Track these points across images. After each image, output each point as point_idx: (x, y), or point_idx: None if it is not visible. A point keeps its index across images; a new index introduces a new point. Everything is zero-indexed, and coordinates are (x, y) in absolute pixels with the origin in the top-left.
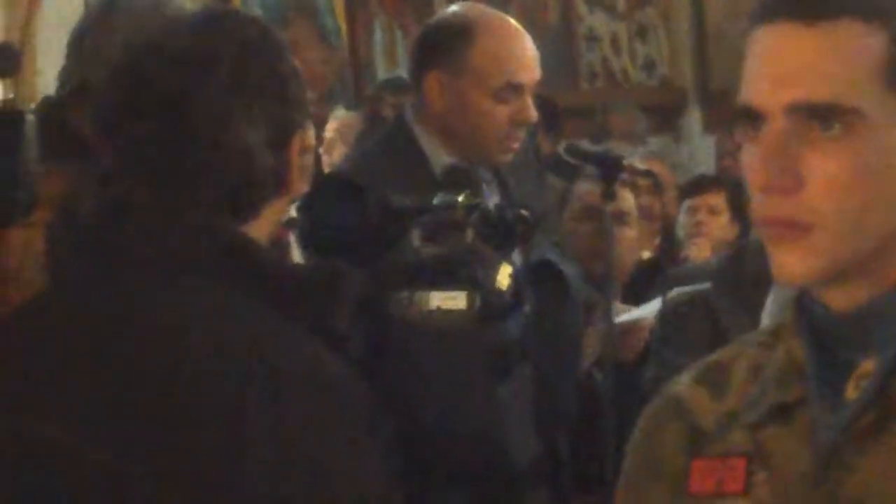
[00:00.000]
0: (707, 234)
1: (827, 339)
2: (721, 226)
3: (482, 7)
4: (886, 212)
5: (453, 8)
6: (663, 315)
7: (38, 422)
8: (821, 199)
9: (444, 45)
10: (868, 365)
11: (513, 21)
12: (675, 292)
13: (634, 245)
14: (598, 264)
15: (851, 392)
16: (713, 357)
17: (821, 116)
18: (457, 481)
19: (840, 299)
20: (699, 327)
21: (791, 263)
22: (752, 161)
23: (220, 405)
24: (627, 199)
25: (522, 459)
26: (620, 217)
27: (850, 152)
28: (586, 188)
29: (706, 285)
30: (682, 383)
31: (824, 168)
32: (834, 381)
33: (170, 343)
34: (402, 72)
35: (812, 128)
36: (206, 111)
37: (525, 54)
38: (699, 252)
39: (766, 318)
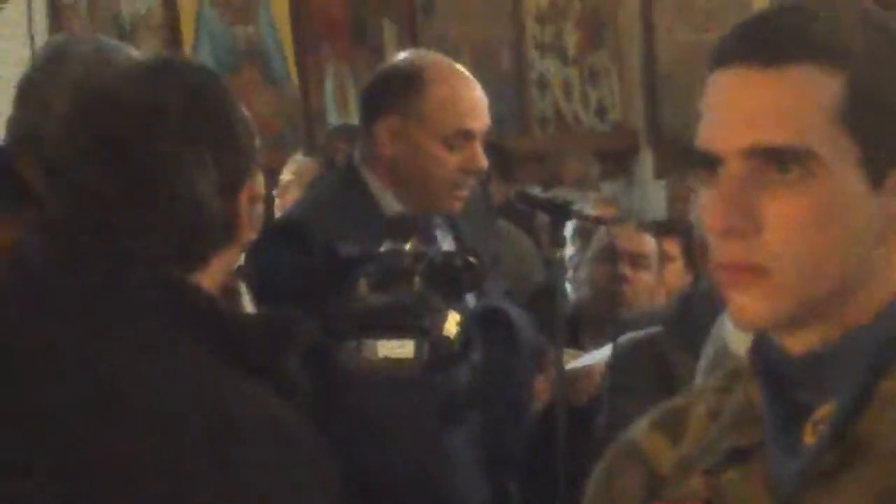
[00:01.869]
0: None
1: (784, 382)
2: (674, 272)
3: (433, 55)
4: (844, 255)
5: (404, 55)
6: (614, 360)
7: None
8: (779, 243)
9: (395, 92)
10: (825, 409)
11: (462, 68)
12: (625, 337)
13: (650, 289)
14: (610, 304)
15: (809, 437)
16: (670, 402)
17: (778, 160)
18: None
19: (797, 343)
20: (650, 372)
21: (749, 307)
22: (708, 205)
23: (165, 451)
24: (649, 244)
25: None
26: (639, 260)
27: (808, 196)
28: (609, 232)
29: (657, 329)
30: (640, 429)
31: (782, 212)
32: (791, 425)
33: (116, 390)
34: (355, 119)
35: (769, 171)
36: (155, 160)
37: (475, 101)
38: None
39: (702, 362)
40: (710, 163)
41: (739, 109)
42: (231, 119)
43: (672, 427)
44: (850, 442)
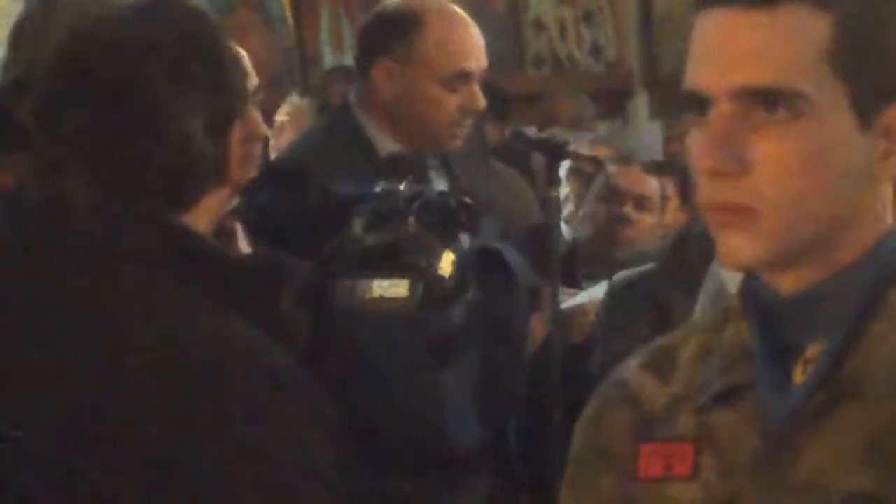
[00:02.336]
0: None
1: (774, 322)
2: (670, 211)
3: None
4: (832, 196)
5: None
6: (609, 298)
7: None
8: (767, 184)
9: (392, 34)
10: (815, 349)
11: (460, 10)
12: (619, 275)
13: (652, 230)
14: (608, 244)
15: (799, 376)
16: (660, 342)
17: (766, 100)
18: (398, 465)
19: (787, 283)
20: (643, 309)
21: (738, 248)
22: (697, 146)
23: (162, 394)
24: (650, 185)
25: (463, 445)
26: (641, 202)
27: (796, 136)
28: (614, 170)
29: (650, 267)
30: (629, 368)
31: (770, 152)
32: (782, 365)
33: (113, 333)
34: (350, 60)
35: (757, 112)
36: (145, 99)
37: (473, 43)
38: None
39: (701, 299)
40: (699, 104)
41: (727, 50)
42: (222, 59)
43: (662, 366)
44: (839, 382)
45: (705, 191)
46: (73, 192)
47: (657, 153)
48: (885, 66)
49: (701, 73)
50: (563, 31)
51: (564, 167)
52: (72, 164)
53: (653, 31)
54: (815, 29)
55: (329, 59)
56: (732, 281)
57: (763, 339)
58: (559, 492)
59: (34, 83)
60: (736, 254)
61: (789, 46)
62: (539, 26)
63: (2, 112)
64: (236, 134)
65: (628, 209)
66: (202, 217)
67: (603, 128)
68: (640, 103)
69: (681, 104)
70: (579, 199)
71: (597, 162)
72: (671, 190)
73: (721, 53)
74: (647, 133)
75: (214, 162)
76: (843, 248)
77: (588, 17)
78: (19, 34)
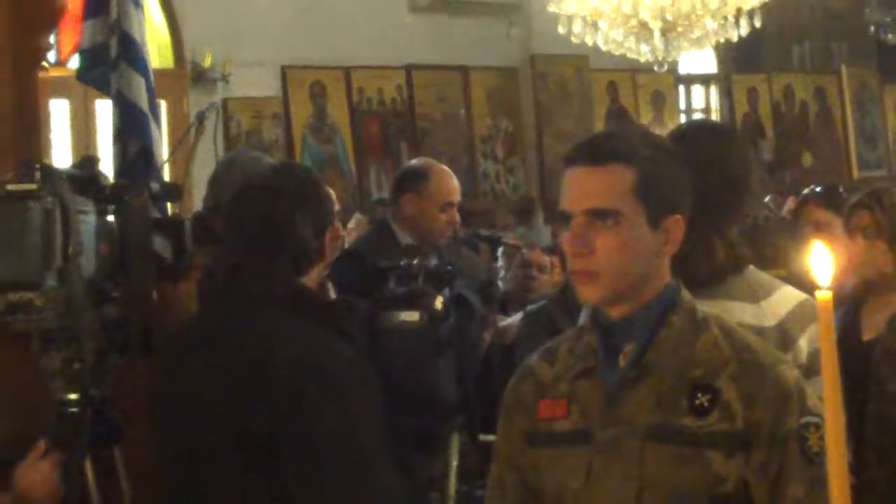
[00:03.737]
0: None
1: (609, 333)
2: (555, 274)
3: (431, 160)
4: (637, 265)
5: (416, 160)
6: (524, 319)
7: (191, 384)
8: (603, 260)
9: (411, 180)
10: (630, 347)
11: (446, 167)
12: (530, 307)
13: (547, 283)
14: (524, 291)
15: (622, 361)
16: (548, 344)
17: (601, 215)
18: (414, 411)
19: (615, 312)
20: (543, 325)
21: (588, 293)
22: (566, 239)
23: (292, 381)
24: (545, 259)
25: (450, 400)
26: (541, 268)
27: (617, 234)
28: (524, 252)
29: (545, 302)
30: (532, 359)
31: (604, 243)
32: (612, 356)
33: (263, 347)
34: (385, 194)
35: (596, 222)
36: (280, 217)
37: (455, 186)
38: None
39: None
40: (566, 217)
41: (579, 188)
42: (321, 194)
43: (549, 357)
44: (642, 365)
45: (570, 263)
46: (242, 268)
47: (548, 242)
48: (664, 195)
49: (566, 201)
50: (497, 177)
51: (500, 251)
52: (242, 252)
53: (544, 177)
54: (626, 175)
55: (374, 194)
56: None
57: (602, 342)
58: (495, 424)
59: (222, 208)
60: (586, 297)
61: (611, 186)
62: (484, 175)
63: (206, 223)
64: (328, 235)
65: (534, 272)
66: (312, 280)
67: (519, 230)
68: (539, 215)
69: (558, 217)
70: (507, 267)
71: (517, 247)
72: (556, 262)
73: (577, 190)
74: (542, 232)
75: (318, 250)
76: (644, 292)
77: (511, 170)
78: (214, 180)
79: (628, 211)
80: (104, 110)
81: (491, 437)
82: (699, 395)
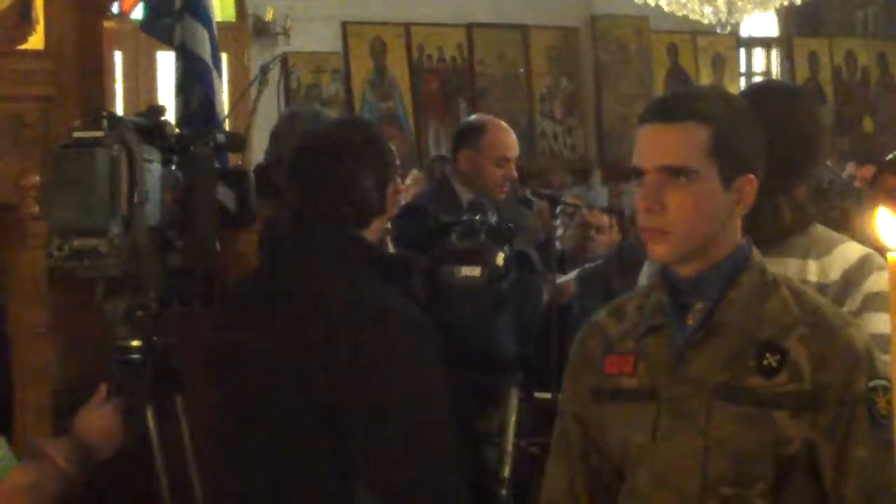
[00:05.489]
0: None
1: (678, 291)
2: (612, 234)
3: (487, 116)
4: (708, 224)
5: (473, 116)
6: (580, 278)
7: (251, 336)
8: (674, 217)
9: (468, 136)
10: (699, 305)
11: (504, 122)
12: (585, 267)
13: (604, 244)
14: (581, 251)
15: (691, 320)
16: (616, 301)
17: (675, 173)
18: (474, 365)
19: (685, 270)
20: (597, 285)
21: (659, 251)
22: (638, 197)
23: (355, 333)
24: (603, 219)
25: (508, 354)
26: (598, 229)
27: (691, 192)
28: (582, 212)
29: (600, 262)
30: (599, 314)
31: (676, 201)
32: (681, 314)
33: (323, 299)
34: (444, 151)
35: (670, 178)
36: (343, 171)
37: (511, 141)
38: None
39: (643, 280)
40: (638, 173)
41: (653, 145)
42: (383, 148)
43: (617, 314)
44: (712, 324)
45: (642, 221)
46: (304, 219)
47: (605, 202)
48: (738, 154)
49: (640, 158)
50: (555, 137)
51: (558, 210)
52: (304, 204)
53: (602, 139)
54: (700, 133)
55: (433, 150)
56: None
57: (671, 300)
58: (556, 379)
59: (284, 161)
60: (657, 255)
61: (686, 144)
62: (542, 135)
63: (267, 174)
64: (390, 189)
65: (591, 232)
66: (372, 233)
67: (577, 189)
68: (596, 176)
69: (620, 176)
70: (565, 227)
71: (576, 206)
72: (614, 222)
73: (651, 147)
74: (599, 192)
75: (379, 203)
76: (715, 252)
77: (568, 130)
78: (276, 133)
79: (702, 169)
80: (165, 63)
81: (546, 395)
82: (768, 355)
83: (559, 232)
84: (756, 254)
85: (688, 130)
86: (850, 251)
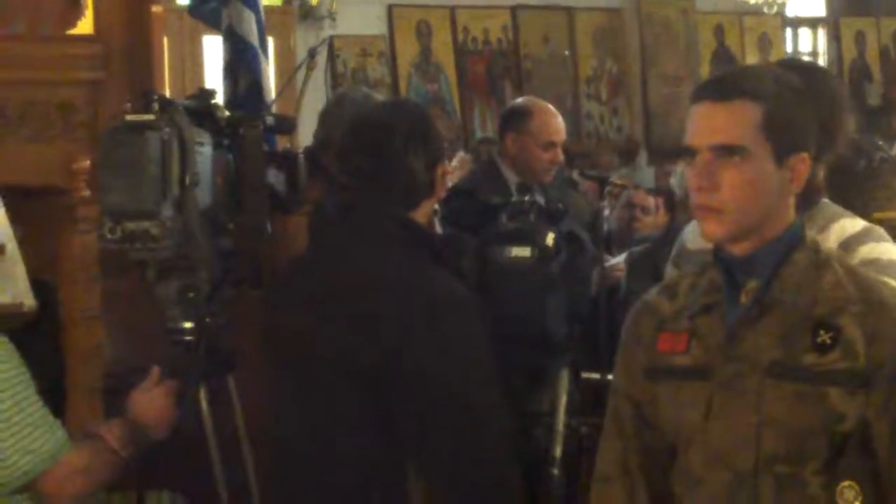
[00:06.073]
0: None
1: (731, 270)
2: (660, 215)
3: (535, 98)
4: (762, 202)
5: (520, 99)
6: (629, 260)
7: (302, 316)
8: (727, 196)
9: (515, 119)
10: (752, 284)
11: (551, 106)
12: (634, 249)
13: (651, 225)
14: (627, 232)
15: (744, 298)
16: (667, 280)
17: (728, 151)
18: (524, 346)
19: (738, 249)
20: (646, 266)
21: (712, 230)
22: (692, 175)
23: (404, 314)
24: (650, 200)
25: (558, 335)
26: (645, 210)
27: (743, 171)
28: (629, 193)
29: (647, 245)
30: (651, 293)
31: (730, 179)
32: (735, 292)
33: (373, 280)
34: (489, 133)
35: (723, 157)
36: (393, 152)
37: (559, 125)
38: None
39: (669, 264)
40: (691, 152)
41: (706, 124)
42: (433, 130)
43: (670, 292)
44: (765, 302)
45: (695, 199)
46: (354, 202)
47: (651, 184)
48: (790, 133)
49: (692, 136)
50: (601, 118)
51: (605, 190)
52: (354, 186)
53: (649, 119)
54: (753, 112)
55: (478, 133)
56: (690, 243)
57: (725, 278)
58: (604, 360)
59: (331, 144)
60: (710, 233)
61: (739, 122)
62: (588, 116)
63: (315, 157)
64: (440, 170)
65: (638, 213)
66: (422, 215)
67: (623, 170)
68: (642, 157)
69: (668, 157)
70: (611, 208)
71: (625, 187)
72: (661, 203)
73: (703, 125)
74: (646, 173)
75: (428, 185)
76: (768, 230)
77: (615, 111)
78: (324, 115)
79: (754, 147)
80: (210, 47)
81: (594, 375)
82: (822, 332)
83: (606, 213)
84: (810, 232)
85: (740, 109)
86: (850, 224)
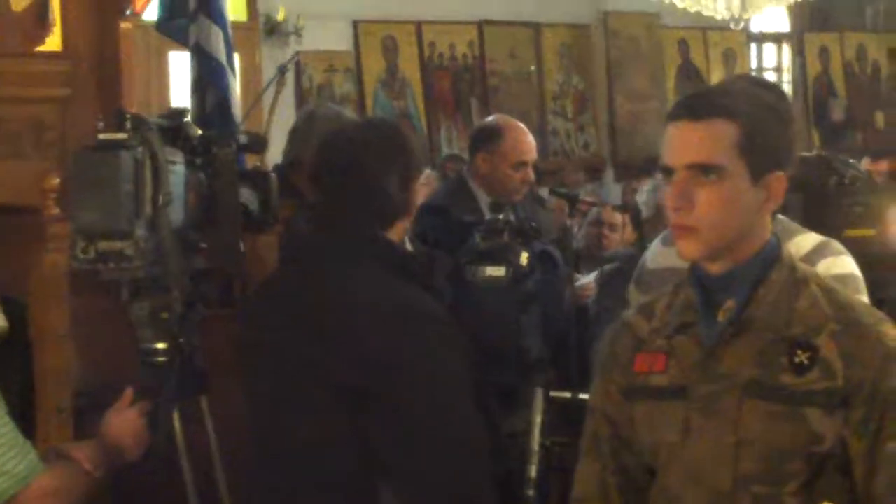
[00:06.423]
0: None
1: (707, 289)
2: (626, 232)
3: (506, 117)
4: (738, 221)
5: (491, 117)
6: (600, 278)
7: (276, 334)
8: (703, 215)
9: (485, 138)
10: (729, 303)
11: (522, 124)
12: (605, 268)
13: (618, 242)
14: (596, 249)
15: (721, 317)
16: (645, 300)
17: (704, 170)
18: (499, 365)
19: (714, 267)
20: (617, 285)
21: (688, 249)
22: (668, 194)
23: (379, 333)
24: (617, 217)
25: (534, 355)
26: (612, 227)
27: (720, 190)
28: (596, 210)
29: (618, 265)
30: (629, 313)
31: (706, 198)
32: (711, 311)
33: (349, 297)
34: (455, 150)
35: (699, 176)
36: (365, 172)
37: (530, 144)
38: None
39: (631, 283)
40: (668, 171)
41: (682, 143)
42: (409, 148)
43: (647, 312)
44: (742, 321)
45: (672, 217)
46: (326, 220)
47: (618, 200)
48: (766, 151)
49: (668, 156)
50: (567, 135)
51: (574, 207)
52: (327, 205)
53: (615, 136)
54: (728, 130)
55: (444, 149)
56: (650, 262)
57: (701, 297)
58: (573, 379)
59: (301, 163)
60: (687, 252)
61: (714, 141)
62: (554, 133)
63: (285, 176)
64: (412, 190)
65: (605, 230)
66: (396, 234)
67: (589, 186)
68: (609, 174)
69: (632, 173)
70: (580, 226)
71: (594, 204)
72: (627, 221)
73: (679, 145)
74: (612, 189)
75: (403, 203)
76: (744, 249)
77: (582, 128)
78: (294, 133)
79: (731, 166)
80: (176, 64)
81: (565, 394)
82: (799, 352)
83: (574, 230)
84: (786, 251)
85: (716, 128)
86: (806, 240)
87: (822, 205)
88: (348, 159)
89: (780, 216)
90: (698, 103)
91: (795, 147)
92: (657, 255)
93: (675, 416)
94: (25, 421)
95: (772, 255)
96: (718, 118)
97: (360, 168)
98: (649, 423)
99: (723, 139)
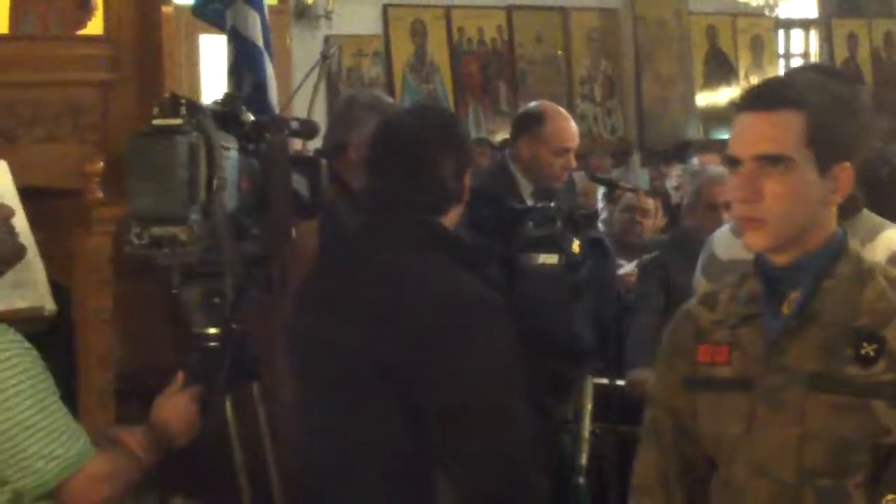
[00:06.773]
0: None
1: (772, 280)
2: (658, 217)
3: (549, 103)
4: (804, 212)
5: (534, 103)
6: (641, 267)
7: (329, 320)
8: (770, 206)
9: (528, 123)
10: (794, 294)
11: (564, 111)
12: (645, 257)
13: (649, 227)
14: (628, 235)
15: (786, 309)
16: (708, 289)
17: (771, 161)
18: (551, 353)
19: (780, 259)
20: (657, 273)
21: (754, 241)
22: (734, 185)
23: (433, 318)
24: (649, 203)
25: (586, 343)
26: (644, 212)
27: (787, 181)
28: (629, 196)
29: (658, 253)
30: (691, 303)
31: (773, 189)
32: (776, 303)
33: (403, 282)
34: (483, 134)
35: (767, 167)
36: (422, 158)
37: (572, 130)
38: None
39: (700, 262)
40: (734, 162)
41: (750, 134)
42: (462, 135)
43: (710, 302)
44: (806, 313)
45: (737, 209)
46: (382, 207)
47: (645, 186)
48: (834, 141)
49: (736, 146)
50: (595, 119)
51: (613, 194)
52: (383, 191)
53: (642, 121)
54: (796, 121)
55: (473, 133)
56: (720, 251)
57: (766, 289)
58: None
59: (343, 146)
60: (753, 244)
61: (782, 132)
62: (582, 117)
63: (327, 160)
64: (466, 178)
65: (638, 216)
66: (450, 221)
67: (616, 172)
68: (635, 158)
69: (660, 158)
70: (611, 211)
71: (632, 190)
72: (659, 206)
73: (747, 136)
74: (639, 174)
75: (456, 191)
76: (810, 241)
77: (609, 113)
78: (334, 120)
79: (798, 157)
80: (207, 47)
81: (602, 380)
82: (865, 344)
83: (604, 216)
84: (853, 243)
85: (784, 118)
86: (893, 237)
87: (878, 194)
88: (405, 145)
89: (865, 210)
90: (766, 93)
91: (865, 137)
92: (728, 245)
93: (740, 408)
94: (68, 404)
95: (838, 247)
96: (786, 108)
97: (418, 154)
98: (712, 415)
99: (790, 130)
